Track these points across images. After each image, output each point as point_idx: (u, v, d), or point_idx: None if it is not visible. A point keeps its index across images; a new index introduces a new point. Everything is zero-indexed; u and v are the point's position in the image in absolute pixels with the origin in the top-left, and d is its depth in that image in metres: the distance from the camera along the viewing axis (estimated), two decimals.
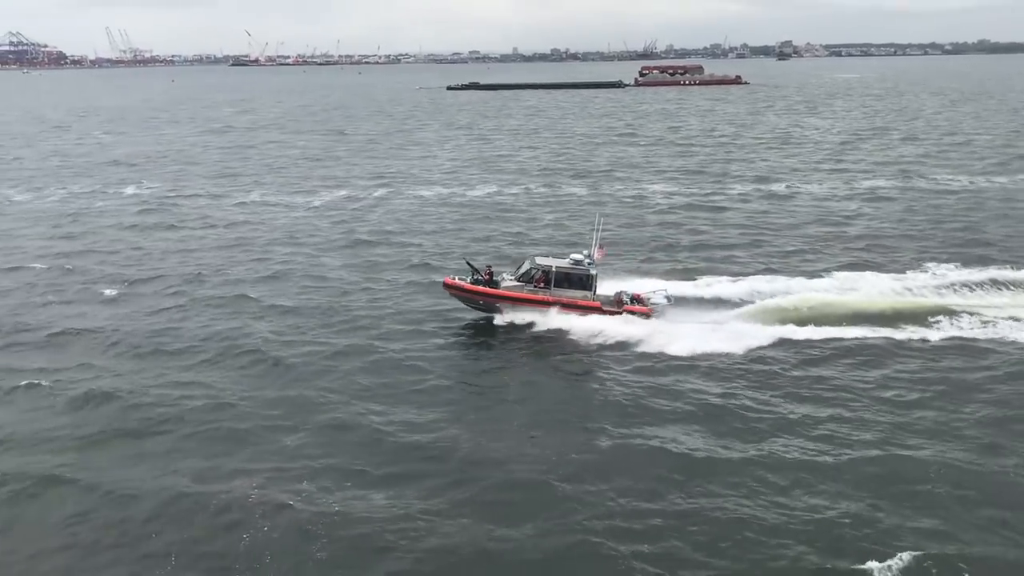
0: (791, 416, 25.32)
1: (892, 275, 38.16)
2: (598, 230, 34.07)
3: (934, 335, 31.52)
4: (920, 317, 33.06)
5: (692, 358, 29.74)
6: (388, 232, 51.78)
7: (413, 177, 74.04)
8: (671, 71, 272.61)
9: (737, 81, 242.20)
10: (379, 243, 49.06)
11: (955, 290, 36.09)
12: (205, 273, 42.38)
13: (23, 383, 28.40)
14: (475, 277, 34.00)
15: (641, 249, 46.53)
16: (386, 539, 19.36)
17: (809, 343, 30.89)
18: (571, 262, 33.31)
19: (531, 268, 33.59)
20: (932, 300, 34.92)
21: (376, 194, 65.08)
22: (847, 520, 19.75)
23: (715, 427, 24.72)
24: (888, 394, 26.80)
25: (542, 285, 33.03)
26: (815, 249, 45.57)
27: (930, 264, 40.13)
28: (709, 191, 63.97)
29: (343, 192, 66.31)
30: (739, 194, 62.24)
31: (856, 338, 31.12)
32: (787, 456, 22.84)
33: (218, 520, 20.27)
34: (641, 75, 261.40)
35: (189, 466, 22.92)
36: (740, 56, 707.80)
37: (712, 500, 20.80)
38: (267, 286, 39.89)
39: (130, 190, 68.80)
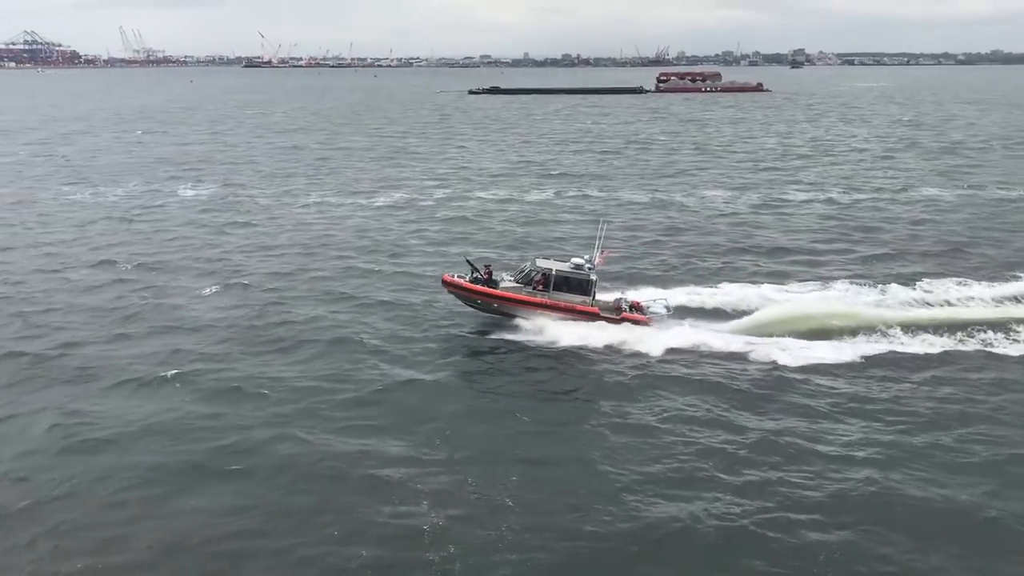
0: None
1: (985, 284, 38.35)
2: (601, 236, 33.90)
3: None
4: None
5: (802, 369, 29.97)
6: (460, 232, 52.23)
7: (467, 180, 74.43)
8: (691, 77, 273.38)
9: (759, 88, 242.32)
10: (455, 242, 49.43)
11: None
12: (293, 271, 42.82)
13: (153, 376, 28.91)
14: (474, 276, 33.73)
15: (713, 253, 46.77)
16: (565, 524, 19.82)
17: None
18: (572, 266, 33.07)
19: (531, 270, 33.37)
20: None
21: (436, 195, 65.48)
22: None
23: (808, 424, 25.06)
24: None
25: (541, 288, 32.76)
26: (894, 255, 45.77)
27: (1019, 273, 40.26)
28: (769, 198, 64.16)
29: (401, 193, 66.73)
30: (801, 201, 62.48)
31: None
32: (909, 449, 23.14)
33: (396, 510, 20.70)
34: (660, 81, 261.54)
35: (346, 455, 23.39)
36: (752, 64, 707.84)
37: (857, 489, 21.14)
38: (361, 283, 40.36)
39: (187, 188, 69.36)
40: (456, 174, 78.10)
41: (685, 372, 29.42)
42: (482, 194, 66.39)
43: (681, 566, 18.50)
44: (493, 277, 33.51)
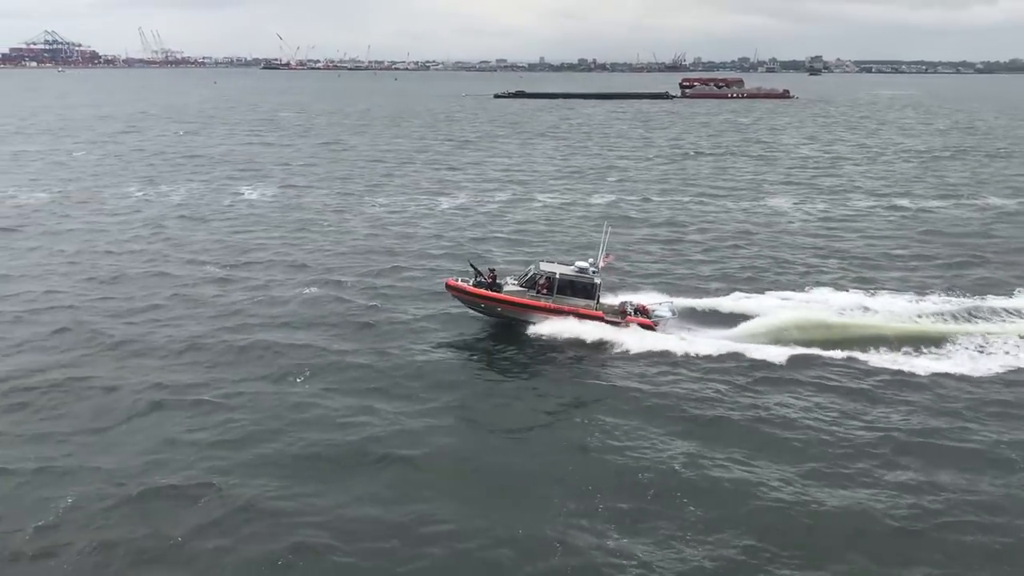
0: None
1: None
2: (605, 239, 33.83)
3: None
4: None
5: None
6: (536, 233, 52.70)
7: (523, 183, 74.86)
8: (715, 83, 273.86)
9: (785, 95, 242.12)
10: (531, 243, 49.83)
11: None
12: (383, 271, 43.27)
13: (283, 371, 29.61)
14: (478, 280, 33.65)
15: (795, 259, 46.88)
16: (744, 520, 20.19)
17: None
18: (576, 270, 32.98)
19: (535, 274, 33.24)
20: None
21: (498, 198, 65.94)
22: None
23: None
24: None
25: (545, 292, 32.69)
26: (976, 263, 45.86)
27: None
28: (835, 204, 64.22)
29: (463, 196, 67.11)
30: (866, 207, 62.61)
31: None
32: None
33: (574, 506, 21.10)
34: (686, 87, 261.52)
35: (501, 450, 24.12)
36: (770, 70, 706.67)
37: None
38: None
39: (250, 189, 69.62)
40: (510, 177, 78.52)
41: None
42: (544, 197, 66.76)
43: (865, 565, 18.78)
44: (497, 281, 33.50)
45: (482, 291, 33.06)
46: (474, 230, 53.77)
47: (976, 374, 29.54)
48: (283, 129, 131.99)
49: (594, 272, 32.76)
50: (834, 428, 25.33)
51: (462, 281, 33.78)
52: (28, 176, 75.96)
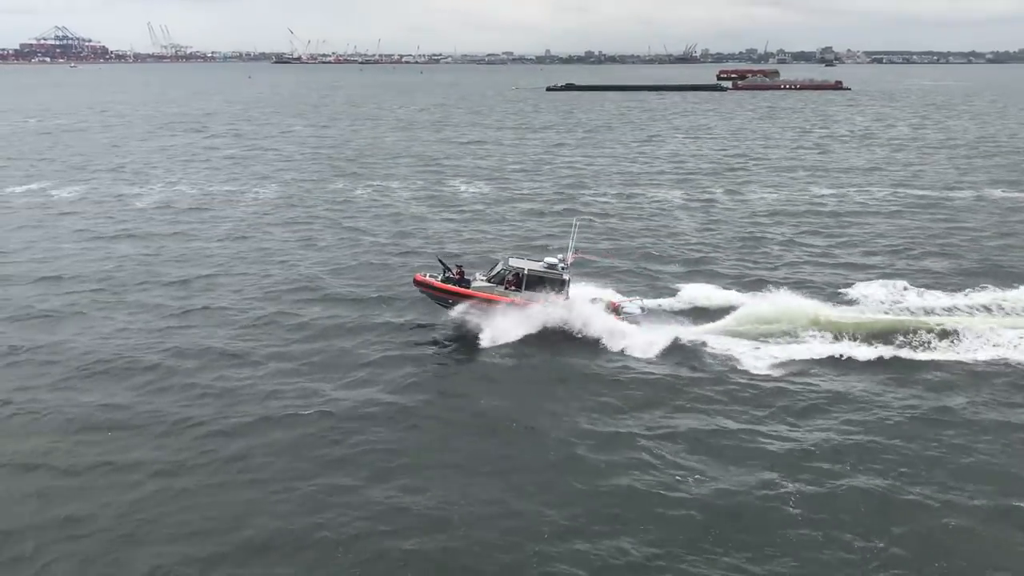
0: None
1: None
2: (574, 234, 34.40)
3: None
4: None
5: None
6: (773, 224, 54.68)
7: (697, 171, 76.91)
8: (753, 74, 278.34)
9: (838, 86, 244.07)
10: (771, 241, 50.90)
11: None
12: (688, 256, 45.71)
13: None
14: (446, 275, 33.96)
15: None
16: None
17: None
18: (545, 265, 33.23)
19: (503, 269, 33.47)
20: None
21: (715, 191, 67.66)
22: None
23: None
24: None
25: (513, 288, 32.90)
26: None
27: None
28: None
29: (681, 188, 68.90)
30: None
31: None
32: None
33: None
34: (730, 79, 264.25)
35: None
36: (781, 61, 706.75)
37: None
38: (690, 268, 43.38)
39: (462, 183, 70.69)
40: (698, 170, 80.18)
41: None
42: (758, 189, 68.52)
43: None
44: (465, 276, 33.94)
45: (450, 287, 33.37)
46: (746, 224, 55.23)
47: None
48: (400, 124, 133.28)
49: (563, 268, 33.02)
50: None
51: (430, 276, 34.10)
52: (220, 173, 77.04)
